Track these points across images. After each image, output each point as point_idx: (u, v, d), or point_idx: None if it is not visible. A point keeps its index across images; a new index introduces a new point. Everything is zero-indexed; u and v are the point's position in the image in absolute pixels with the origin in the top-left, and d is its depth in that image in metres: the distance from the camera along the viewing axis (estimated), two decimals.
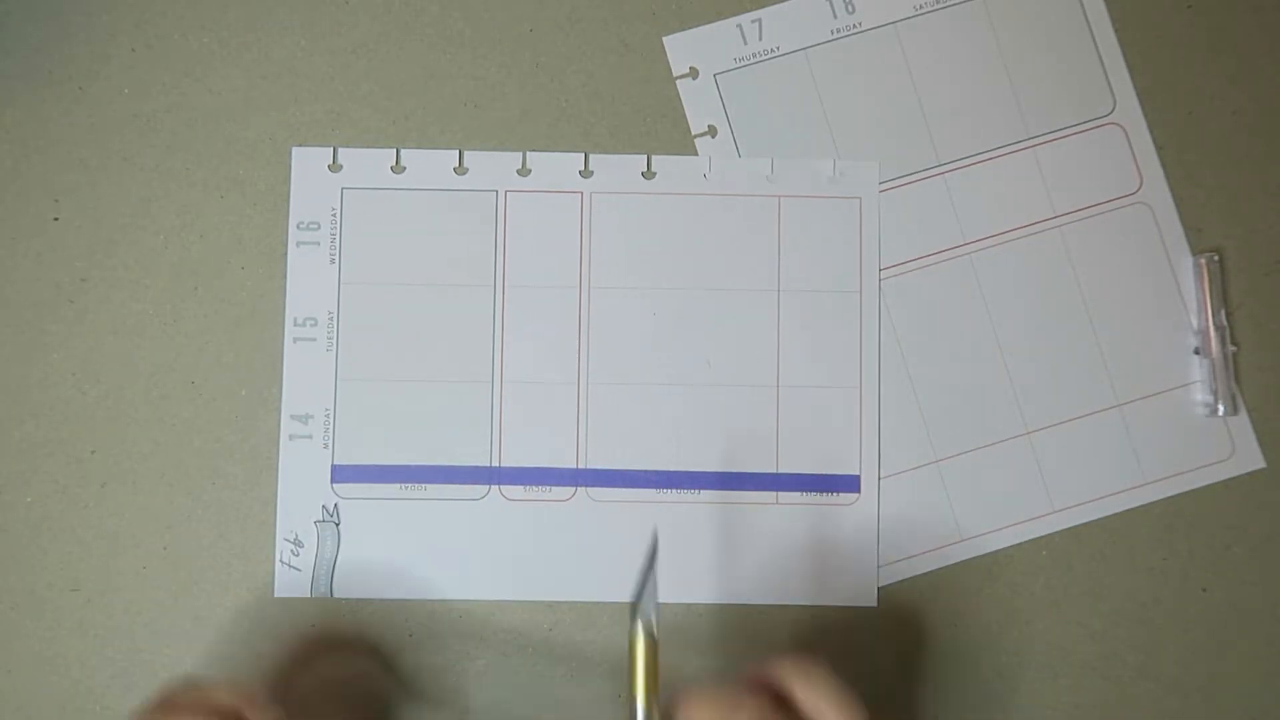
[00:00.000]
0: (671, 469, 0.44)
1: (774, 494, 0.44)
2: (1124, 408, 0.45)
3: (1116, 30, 0.46)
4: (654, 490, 0.44)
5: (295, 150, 0.44)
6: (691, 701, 0.33)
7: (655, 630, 0.33)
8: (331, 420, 0.44)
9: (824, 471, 0.45)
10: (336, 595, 0.44)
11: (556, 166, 0.45)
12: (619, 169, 0.45)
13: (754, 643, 0.44)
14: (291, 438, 0.44)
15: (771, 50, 0.46)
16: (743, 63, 0.46)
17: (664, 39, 0.45)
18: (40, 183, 0.44)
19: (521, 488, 0.44)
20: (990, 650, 0.44)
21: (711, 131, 0.45)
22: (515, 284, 0.44)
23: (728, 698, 0.33)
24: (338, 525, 0.43)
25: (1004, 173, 0.46)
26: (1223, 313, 0.45)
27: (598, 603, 0.44)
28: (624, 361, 0.44)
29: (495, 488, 0.44)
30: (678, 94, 0.45)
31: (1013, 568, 0.45)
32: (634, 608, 0.34)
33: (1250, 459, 0.45)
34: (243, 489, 0.44)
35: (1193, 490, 0.45)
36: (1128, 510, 0.45)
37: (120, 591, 0.43)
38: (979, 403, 0.45)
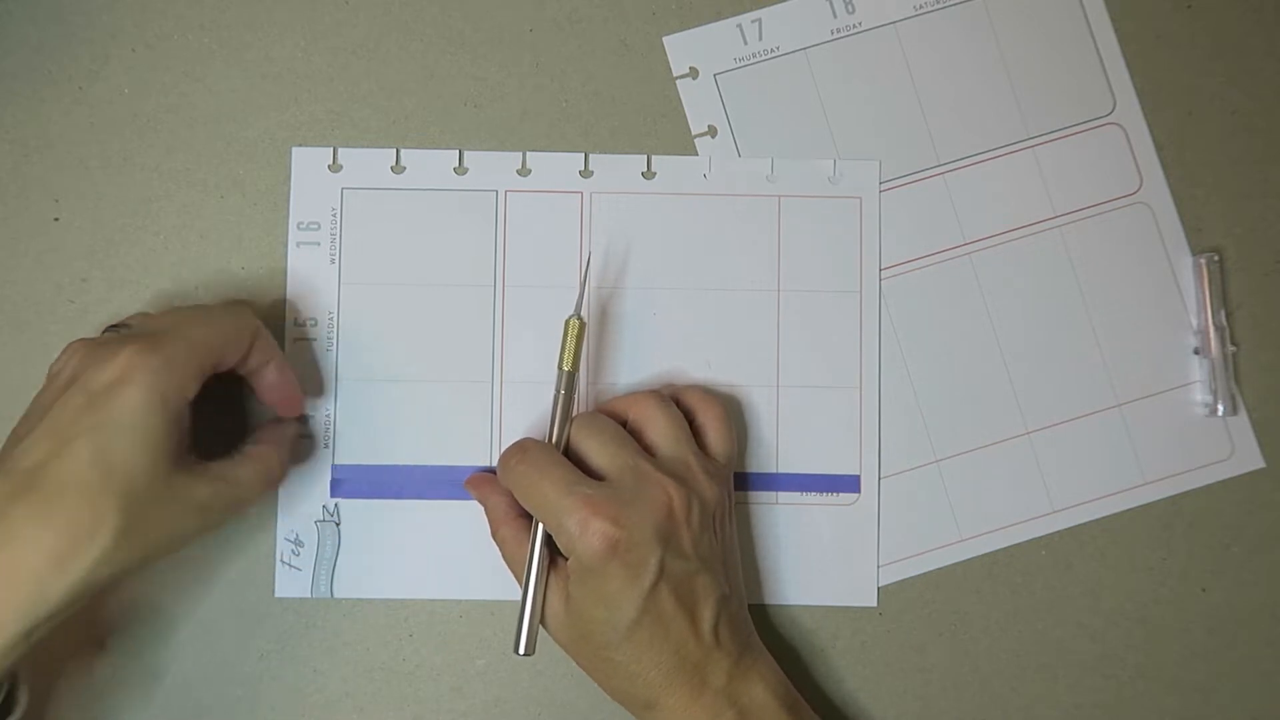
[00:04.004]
0: None
1: (774, 494, 0.44)
2: (1124, 408, 0.45)
3: (1116, 30, 0.46)
4: None
5: (295, 150, 0.44)
6: (580, 423, 0.40)
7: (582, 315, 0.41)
8: (332, 420, 0.44)
9: (824, 471, 0.45)
10: (336, 595, 0.44)
11: (556, 166, 0.45)
12: (619, 169, 0.45)
13: None
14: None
15: (771, 50, 0.46)
16: (743, 63, 0.46)
17: (664, 39, 0.45)
18: (40, 183, 0.44)
19: None
20: (990, 650, 0.44)
21: (711, 131, 0.45)
22: (515, 284, 0.44)
23: (608, 423, 0.40)
24: (338, 525, 0.43)
25: (1004, 173, 0.46)
26: (1222, 313, 0.45)
27: None
28: (624, 361, 0.44)
29: None
30: (678, 94, 0.45)
31: (1013, 568, 0.45)
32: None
33: (1250, 459, 0.45)
34: None
35: (1192, 490, 0.45)
36: (1127, 510, 0.45)
37: (121, 591, 0.43)
38: (979, 403, 0.45)
